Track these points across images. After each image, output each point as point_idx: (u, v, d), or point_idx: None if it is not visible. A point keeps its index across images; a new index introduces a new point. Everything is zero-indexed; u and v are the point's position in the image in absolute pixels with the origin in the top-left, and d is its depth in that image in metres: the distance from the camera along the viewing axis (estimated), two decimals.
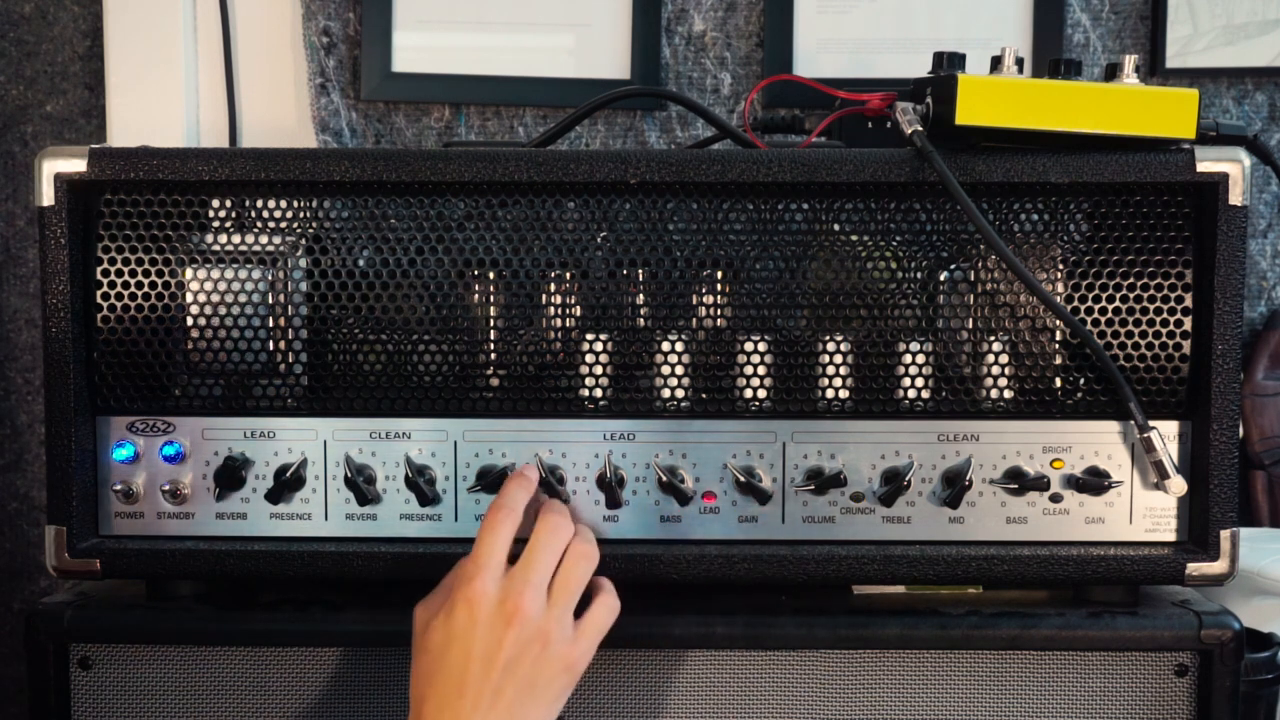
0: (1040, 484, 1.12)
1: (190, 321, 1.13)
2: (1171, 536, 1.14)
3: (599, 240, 1.13)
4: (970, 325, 1.13)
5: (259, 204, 1.13)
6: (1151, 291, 1.12)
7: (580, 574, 1.06)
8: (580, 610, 1.06)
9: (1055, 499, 1.14)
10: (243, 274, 1.13)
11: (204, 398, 1.14)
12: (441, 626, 1.02)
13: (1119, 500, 1.13)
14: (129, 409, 1.14)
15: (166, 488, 1.14)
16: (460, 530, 1.14)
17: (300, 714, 1.14)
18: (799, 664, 1.14)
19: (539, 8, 1.67)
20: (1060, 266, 1.13)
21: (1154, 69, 1.64)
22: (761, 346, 1.13)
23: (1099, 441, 1.13)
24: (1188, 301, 1.12)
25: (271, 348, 1.13)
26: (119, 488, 1.14)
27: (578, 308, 1.13)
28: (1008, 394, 1.13)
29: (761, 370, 1.13)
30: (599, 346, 1.13)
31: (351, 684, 1.14)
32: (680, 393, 1.13)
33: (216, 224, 1.13)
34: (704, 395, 1.14)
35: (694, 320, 1.13)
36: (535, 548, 1.05)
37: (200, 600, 1.17)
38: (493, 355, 1.14)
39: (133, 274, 1.13)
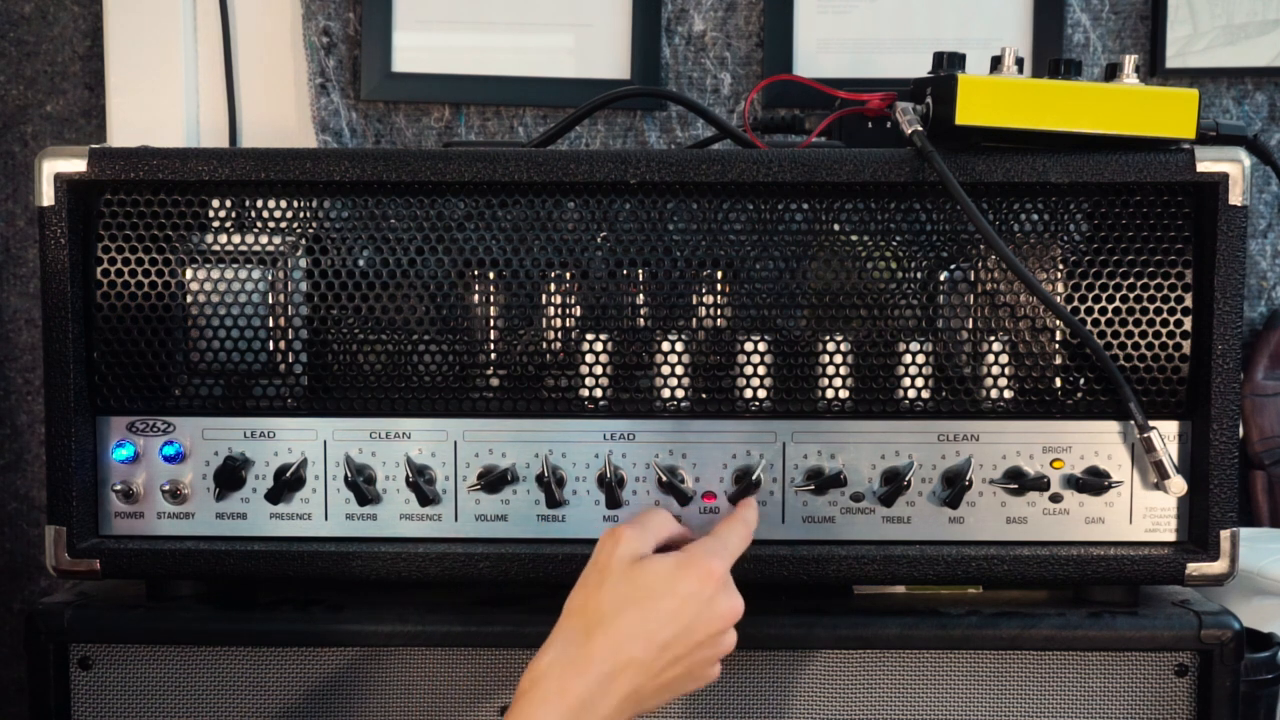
0: (1040, 484, 1.12)
1: (190, 321, 1.13)
2: (1171, 536, 1.14)
3: (599, 240, 1.13)
4: (970, 325, 1.13)
5: (259, 204, 1.13)
6: (1151, 291, 1.12)
7: None
8: None
9: (1055, 499, 1.14)
10: (243, 274, 1.13)
11: (204, 398, 1.14)
12: (666, 573, 1.00)
13: (1119, 500, 1.13)
14: (129, 409, 1.14)
15: (166, 488, 1.14)
16: (460, 530, 1.14)
17: (300, 714, 1.14)
18: (799, 664, 1.14)
19: (539, 8, 1.67)
20: (1060, 266, 1.13)
21: (1154, 69, 1.64)
22: (761, 346, 1.13)
23: (1099, 441, 1.13)
24: (1188, 301, 1.12)
25: (271, 348, 1.13)
26: (119, 488, 1.14)
27: (578, 308, 1.13)
28: (1008, 394, 1.13)
29: (761, 370, 1.13)
30: (599, 346, 1.13)
31: (351, 684, 1.14)
32: (680, 393, 1.13)
33: (216, 224, 1.13)
34: (704, 395, 1.14)
35: (694, 320, 1.13)
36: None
37: (200, 600, 1.17)
38: (493, 355, 1.14)
39: (133, 274, 1.13)
